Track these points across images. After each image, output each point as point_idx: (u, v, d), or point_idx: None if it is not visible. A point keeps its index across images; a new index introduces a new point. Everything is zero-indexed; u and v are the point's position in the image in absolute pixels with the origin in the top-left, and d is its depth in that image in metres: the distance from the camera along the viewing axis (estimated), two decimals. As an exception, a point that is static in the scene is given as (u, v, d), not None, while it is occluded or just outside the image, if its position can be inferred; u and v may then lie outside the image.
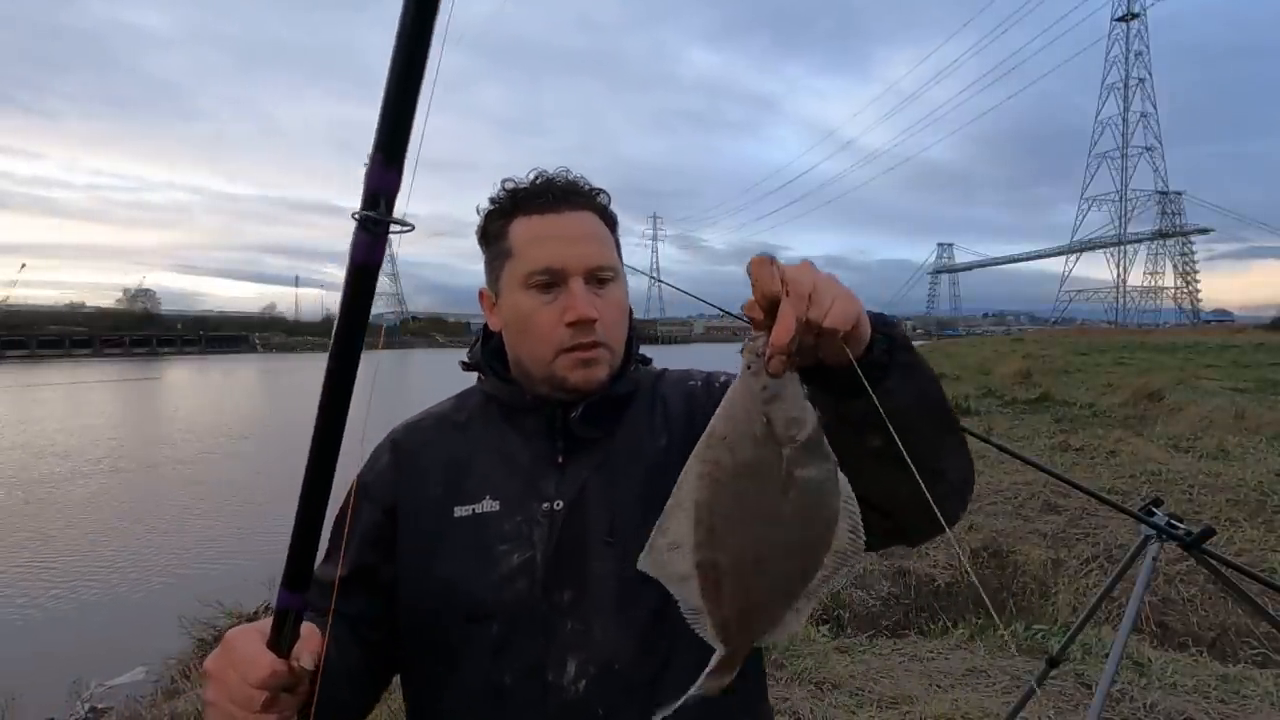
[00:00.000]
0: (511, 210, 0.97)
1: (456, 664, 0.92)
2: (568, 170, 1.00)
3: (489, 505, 0.94)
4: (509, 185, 0.99)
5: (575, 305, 0.92)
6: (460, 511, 0.94)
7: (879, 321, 0.72)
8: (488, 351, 1.05)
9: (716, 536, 0.64)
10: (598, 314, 0.93)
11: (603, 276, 0.96)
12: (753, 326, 0.62)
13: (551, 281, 0.93)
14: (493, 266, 1.00)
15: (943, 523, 0.66)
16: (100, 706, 4.67)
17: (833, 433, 0.66)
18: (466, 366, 1.06)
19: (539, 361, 0.95)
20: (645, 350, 1.09)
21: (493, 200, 1.00)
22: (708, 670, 0.69)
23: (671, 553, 0.66)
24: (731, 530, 0.64)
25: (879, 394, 0.65)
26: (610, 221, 1.01)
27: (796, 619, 0.67)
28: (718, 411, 0.64)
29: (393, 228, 0.67)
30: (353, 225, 0.66)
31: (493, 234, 0.99)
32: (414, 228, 0.75)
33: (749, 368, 0.62)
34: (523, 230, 0.96)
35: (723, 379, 1.06)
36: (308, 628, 0.77)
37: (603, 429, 0.97)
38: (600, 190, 1.01)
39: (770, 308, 0.60)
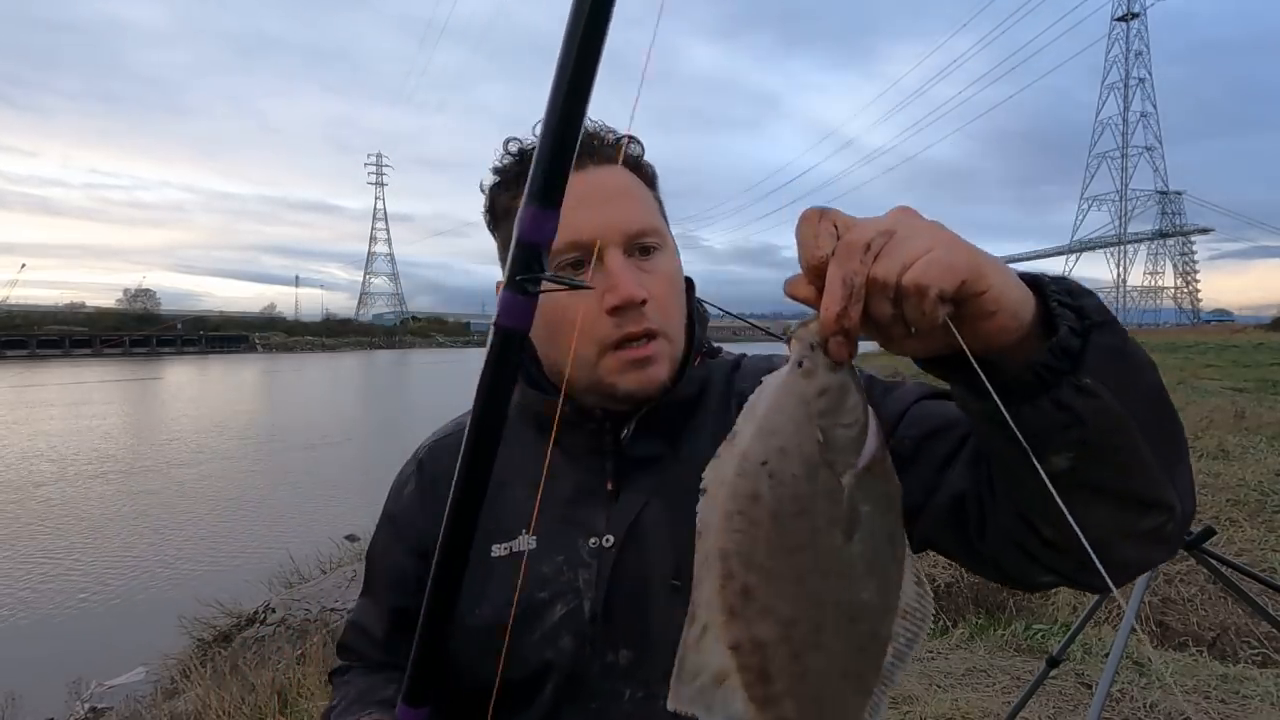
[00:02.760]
0: (521, 177, 0.71)
1: None
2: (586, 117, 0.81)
3: (525, 542, 0.78)
4: (514, 146, 0.79)
5: (617, 285, 0.72)
6: (498, 550, 0.78)
7: (1057, 287, 0.48)
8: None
9: (756, 601, 0.45)
10: (647, 292, 0.73)
11: (647, 243, 0.76)
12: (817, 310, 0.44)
13: (580, 259, 0.73)
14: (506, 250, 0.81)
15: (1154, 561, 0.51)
16: (100, 706, 4.67)
17: (990, 446, 0.53)
18: None
19: (582, 365, 0.75)
20: None
21: (497, 169, 0.80)
22: None
23: (703, 650, 0.46)
24: (777, 591, 0.45)
25: (1074, 395, 0.46)
26: (647, 176, 0.81)
27: (875, 716, 0.48)
28: (748, 426, 0.46)
29: (546, 285, 0.56)
30: (496, 280, 0.60)
31: (501, 210, 0.79)
32: (592, 289, 0.70)
33: (799, 364, 0.45)
34: None
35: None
36: None
37: (664, 443, 0.79)
38: (630, 138, 0.79)
39: (821, 278, 0.43)
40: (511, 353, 0.58)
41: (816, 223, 0.43)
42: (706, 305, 0.89)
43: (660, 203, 0.82)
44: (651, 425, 0.78)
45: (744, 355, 0.88)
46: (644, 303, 0.73)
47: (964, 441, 0.66)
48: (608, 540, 0.76)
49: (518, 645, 0.74)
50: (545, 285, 0.55)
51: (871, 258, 0.42)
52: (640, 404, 0.77)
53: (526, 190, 0.54)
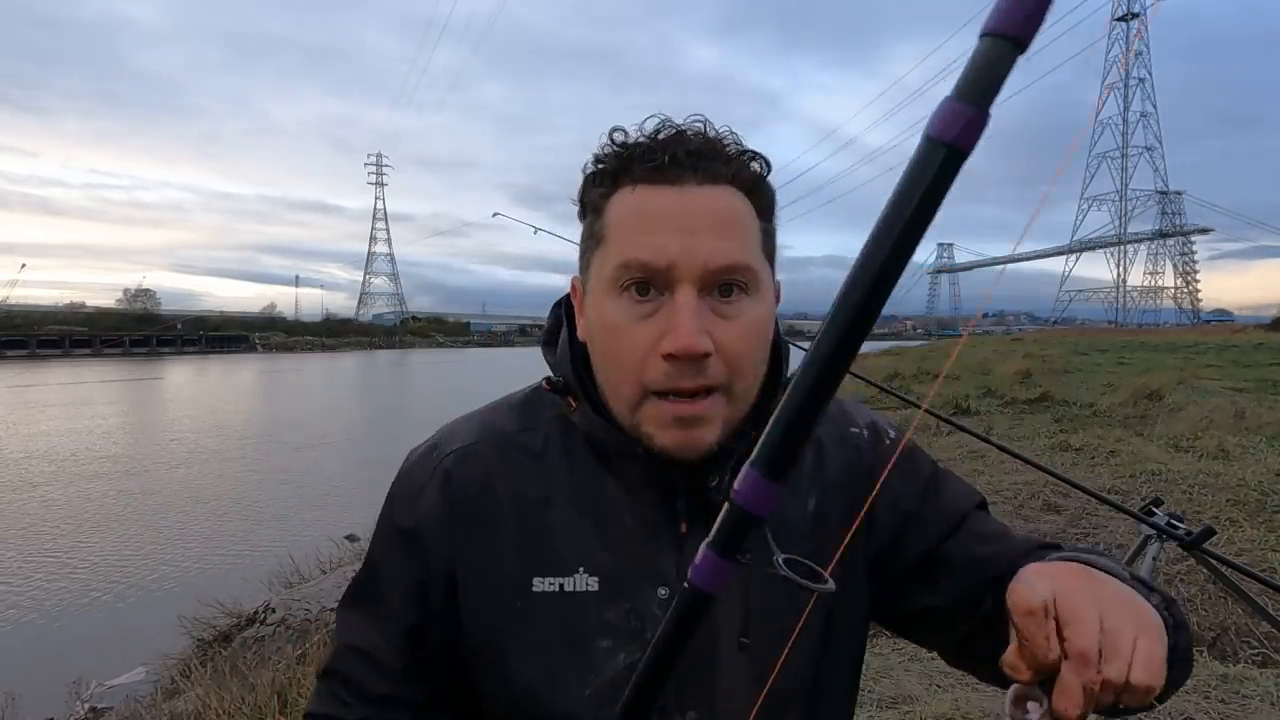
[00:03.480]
0: (617, 175, 0.68)
1: None
2: (705, 121, 0.68)
3: (584, 582, 0.69)
4: (619, 136, 0.69)
5: (677, 329, 0.63)
6: (542, 585, 0.69)
7: (1166, 615, 0.55)
8: (577, 362, 0.74)
9: None
10: (711, 346, 0.64)
11: (731, 282, 0.65)
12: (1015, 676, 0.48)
13: (648, 283, 0.65)
14: (584, 249, 0.72)
15: None
16: (100, 706, 4.67)
17: None
18: (552, 386, 0.74)
19: (621, 400, 0.68)
20: None
21: (597, 158, 0.71)
22: None
23: None
24: None
25: (1164, 694, 0.51)
26: (763, 205, 0.70)
27: None
28: None
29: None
30: None
31: (589, 206, 0.71)
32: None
33: None
34: (623, 206, 0.67)
35: (892, 435, 0.82)
36: None
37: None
38: (754, 154, 0.69)
39: (1046, 669, 0.47)
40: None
41: (1044, 621, 0.47)
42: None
43: (770, 237, 0.71)
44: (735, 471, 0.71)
45: None
46: (705, 356, 0.64)
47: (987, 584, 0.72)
48: None
49: (570, 698, 0.68)
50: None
51: (1097, 667, 0.46)
52: (679, 463, 0.68)
53: (761, 447, 0.43)
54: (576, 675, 0.68)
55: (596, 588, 0.69)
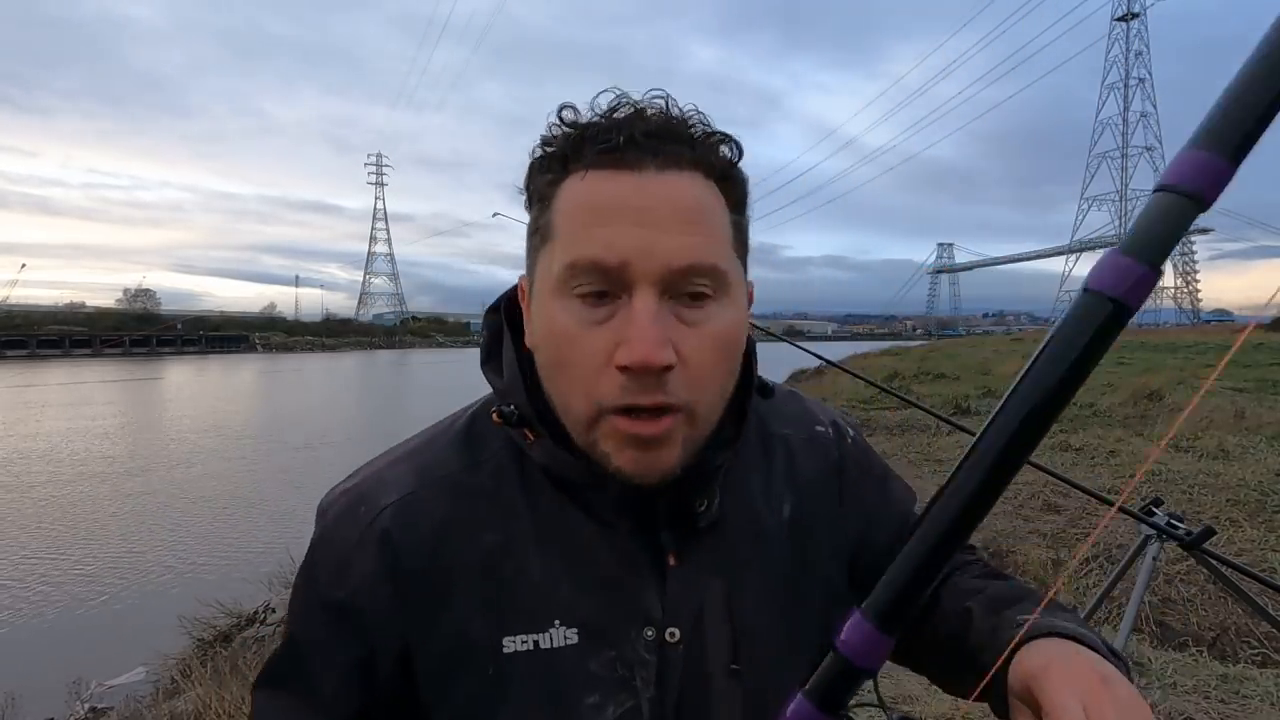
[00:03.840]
0: (566, 159, 0.59)
1: None
2: (667, 97, 0.60)
3: (562, 636, 0.61)
4: (569, 115, 0.60)
5: (633, 338, 0.55)
6: (514, 645, 0.61)
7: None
8: (528, 384, 0.64)
9: None
10: (674, 357, 0.56)
11: (697, 288, 0.57)
12: None
13: (603, 289, 0.57)
14: (530, 245, 0.63)
15: None
16: (100, 706, 4.67)
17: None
18: (504, 419, 0.63)
19: (574, 418, 0.60)
20: None
21: (544, 140, 0.61)
22: None
23: None
24: None
25: None
26: (734, 193, 0.62)
27: None
28: None
29: None
30: None
31: (536, 195, 0.62)
32: None
33: None
34: (574, 195, 0.58)
35: (851, 434, 0.79)
36: None
37: (725, 501, 0.67)
38: (723, 136, 0.61)
39: None
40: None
41: None
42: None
43: (743, 231, 0.63)
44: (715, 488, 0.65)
45: (772, 387, 0.73)
46: (667, 369, 0.56)
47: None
48: (671, 634, 0.62)
49: None
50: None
51: None
52: (640, 487, 0.60)
53: None
54: None
55: (576, 640, 0.61)
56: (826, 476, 0.74)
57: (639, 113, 0.59)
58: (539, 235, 0.61)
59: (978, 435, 0.41)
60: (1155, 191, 0.37)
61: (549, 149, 0.61)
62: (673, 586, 0.63)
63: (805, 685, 0.45)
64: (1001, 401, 0.40)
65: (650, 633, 0.62)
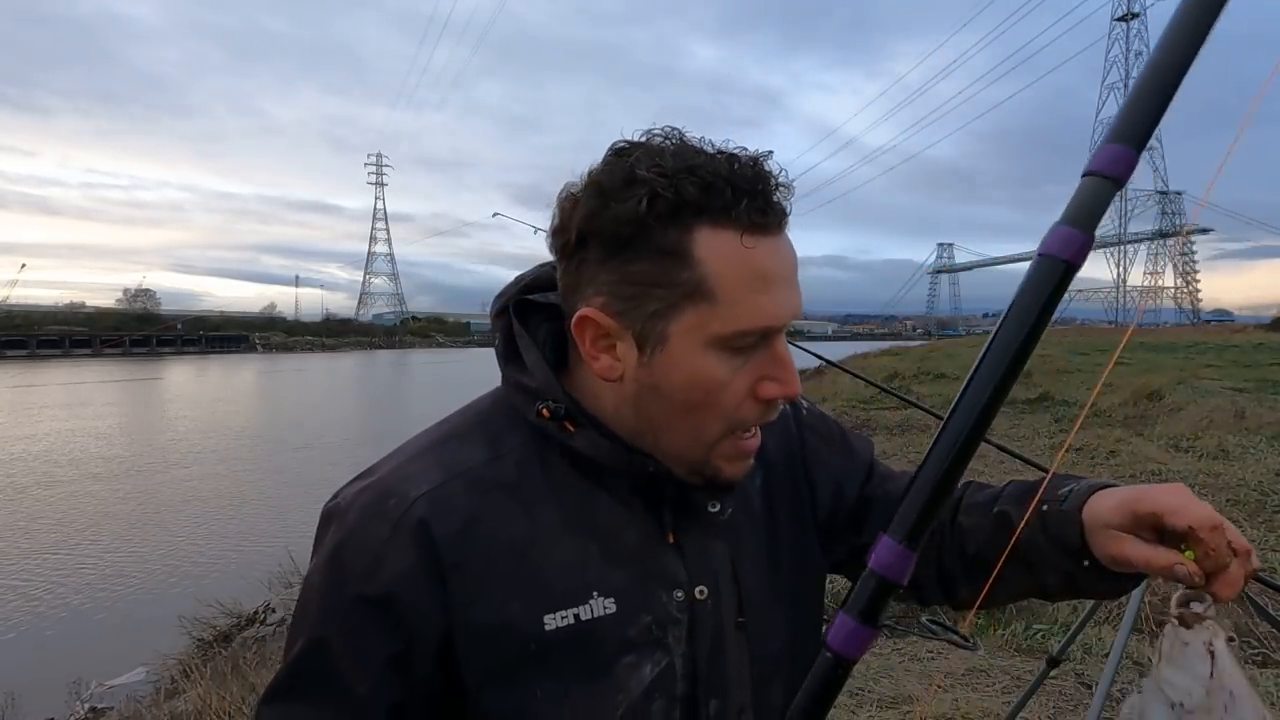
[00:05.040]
0: (699, 210, 0.60)
1: None
2: (758, 153, 0.63)
3: (601, 606, 0.66)
4: (698, 161, 0.61)
5: (788, 378, 0.65)
6: (555, 621, 0.65)
7: None
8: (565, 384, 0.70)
9: None
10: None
11: None
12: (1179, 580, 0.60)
13: (755, 344, 0.64)
14: (648, 292, 0.62)
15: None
16: (100, 706, 4.68)
17: (1045, 576, 0.70)
18: (547, 415, 0.67)
19: (697, 443, 0.67)
20: None
21: (638, 176, 0.60)
22: None
23: None
24: None
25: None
26: None
27: None
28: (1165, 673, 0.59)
29: None
30: None
31: (653, 243, 0.61)
32: None
33: (1210, 648, 0.58)
34: (734, 259, 0.61)
35: (806, 407, 0.87)
36: None
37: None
38: (789, 188, 0.66)
39: (1219, 567, 0.58)
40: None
41: (1223, 531, 0.58)
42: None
43: None
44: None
45: None
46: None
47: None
48: (701, 591, 0.70)
49: None
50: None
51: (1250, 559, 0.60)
52: (673, 480, 0.69)
53: None
54: (607, 700, 0.66)
55: (614, 609, 0.66)
56: (789, 450, 0.82)
57: (759, 167, 0.63)
58: (672, 288, 0.62)
59: (973, 367, 0.51)
60: (1084, 176, 0.51)
61: (667, 190, 0.59)
62: (689, 551, 0.70)
63: (844, 603, 0.52)
64: (989, 339, 0.52)
65: (680, 594, 0.69)
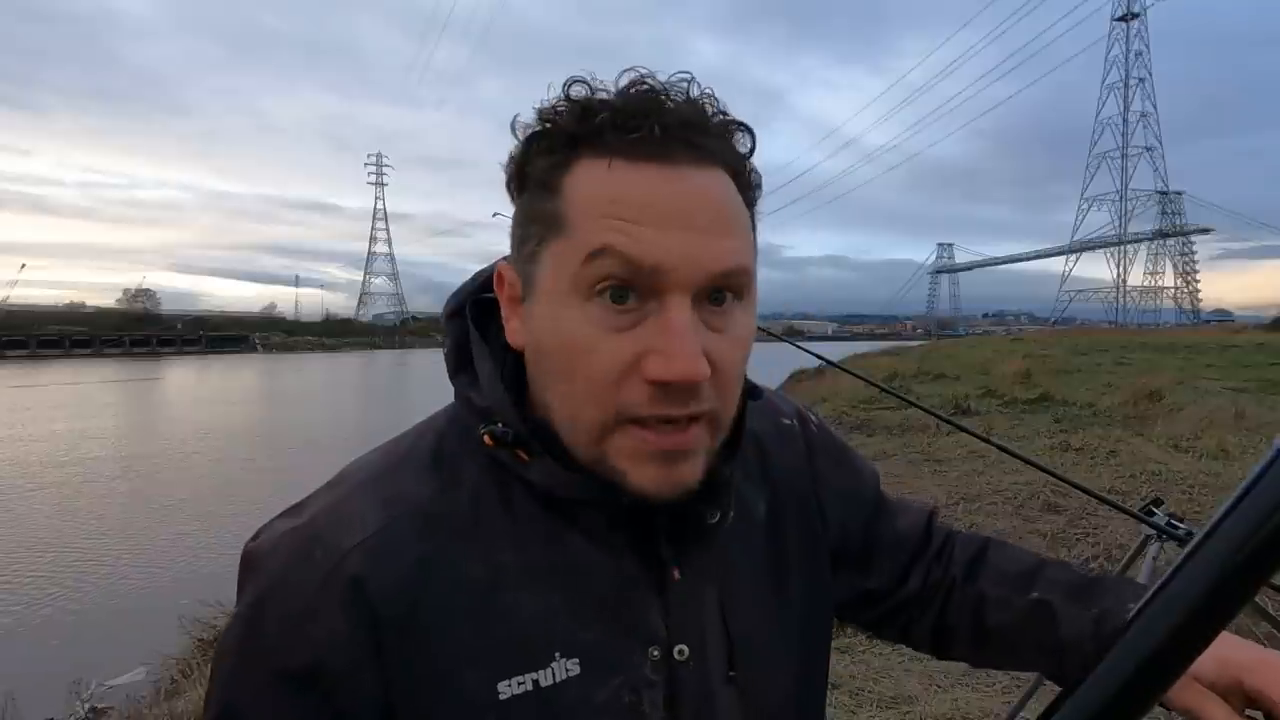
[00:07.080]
0: (578, 140, 0.53)
1: None
2: (691, 79, 0.54)
3: (564, 669, 0.55)
4: (578, 90, 0.53)
5: (673, 352, 0.50)
6: (511, 689, 0.54)
7: None
8: (513, 394, 0.58)
9: None
10: (708, 369, 0.51)
11: (725, 287, 0.53)
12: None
13: (625, 290, 0.51)
14: (526, 232, 0.55)
15: None
16: (100, 706, 4.67)
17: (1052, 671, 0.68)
18: (496, 441, 0.56)
19: (581, 429, 0.54)
20: None
21: (544, 116, 0.54)
22: None
23: None
24: None
25: None
26: (751, 190, 0.57)
27: None
28: None
29: None
30: None
31: (536, 177, 0.54)
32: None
33: None
34: (594, 184, 0.52)
35: (814, 420, 0.78)
36: None
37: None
38: (741, 126, 0.56)
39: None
40: None
41: None
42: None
43: (754, 221, 0.58)
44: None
45: None
46: (699, 384, 0.51)
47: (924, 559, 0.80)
48: (680, 651, 0.58)
49: None
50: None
51: None
52: (655, 504, 0.55)
53: None
54: None
55: (578, 670, 0.55)
56: (799, 469, 0.73)
57: (661, 96, 0.53)
58: (543, 223, 0.53)
59: (1164, 589, 0.32)
60: None
61: (551, 125, 0.53)
62: (674, 602, 0.59)
63: None
64: (1225, 509, 0.31)
65: (656, 652, 0.57)
